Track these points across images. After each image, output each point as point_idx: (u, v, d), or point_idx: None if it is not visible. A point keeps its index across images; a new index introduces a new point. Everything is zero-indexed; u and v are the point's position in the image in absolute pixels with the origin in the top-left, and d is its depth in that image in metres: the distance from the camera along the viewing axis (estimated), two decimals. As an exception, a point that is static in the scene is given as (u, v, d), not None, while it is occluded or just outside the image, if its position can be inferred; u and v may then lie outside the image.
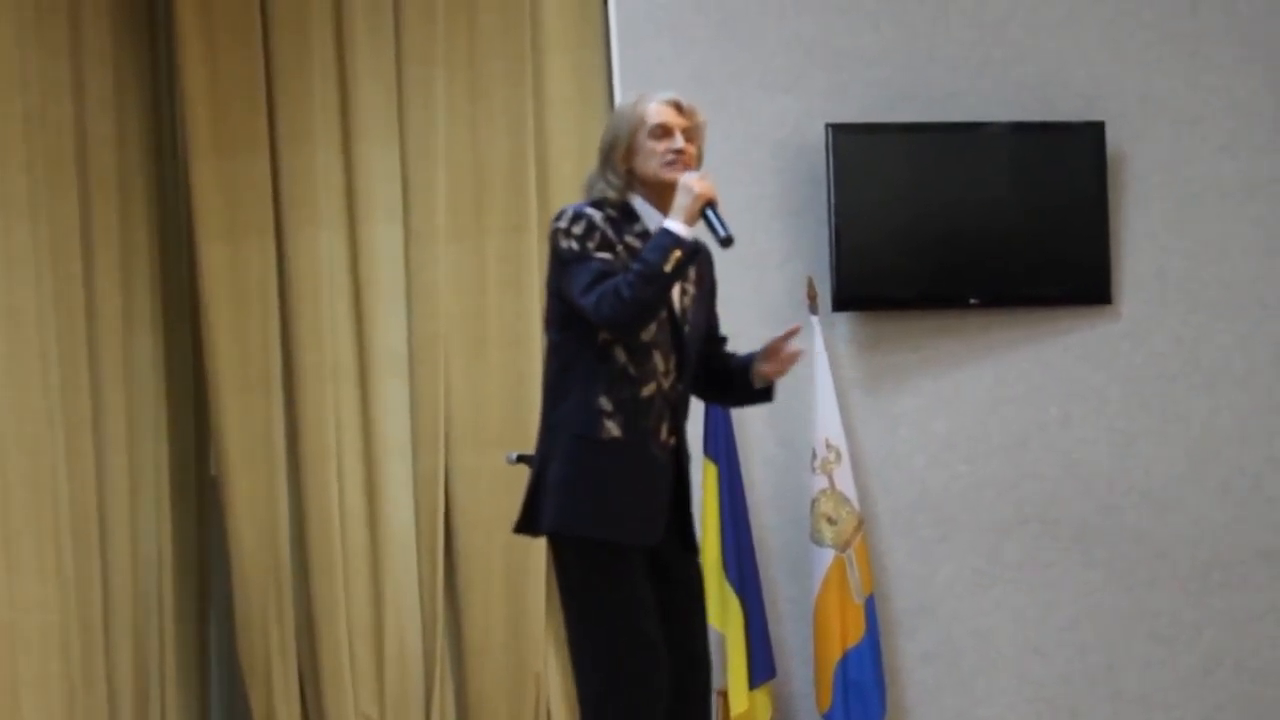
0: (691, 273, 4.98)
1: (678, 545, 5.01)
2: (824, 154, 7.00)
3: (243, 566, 7.07)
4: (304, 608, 7.10)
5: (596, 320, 4.79)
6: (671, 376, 4.93)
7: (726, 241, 4.87)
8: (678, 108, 4.96)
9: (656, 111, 4.94)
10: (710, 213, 4.87)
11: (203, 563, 7.31)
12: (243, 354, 7.11)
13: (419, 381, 7.16)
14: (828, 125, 7.01)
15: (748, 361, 5.10)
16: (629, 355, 4.86)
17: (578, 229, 4.85)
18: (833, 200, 6.98)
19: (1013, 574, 7.10)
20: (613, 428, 4.84)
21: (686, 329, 4.98)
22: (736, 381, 5.13)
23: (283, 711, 7.04)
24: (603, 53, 7.24)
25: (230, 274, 7.12)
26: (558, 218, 4.91)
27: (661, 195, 4.93)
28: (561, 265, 4.88)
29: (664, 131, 4.92)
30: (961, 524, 7.09)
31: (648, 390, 4.88)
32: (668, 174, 4.90)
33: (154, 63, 7.29)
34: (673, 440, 4.96)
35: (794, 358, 5.07)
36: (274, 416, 7.10)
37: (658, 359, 4.90)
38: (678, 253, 4.78)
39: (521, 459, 6.37)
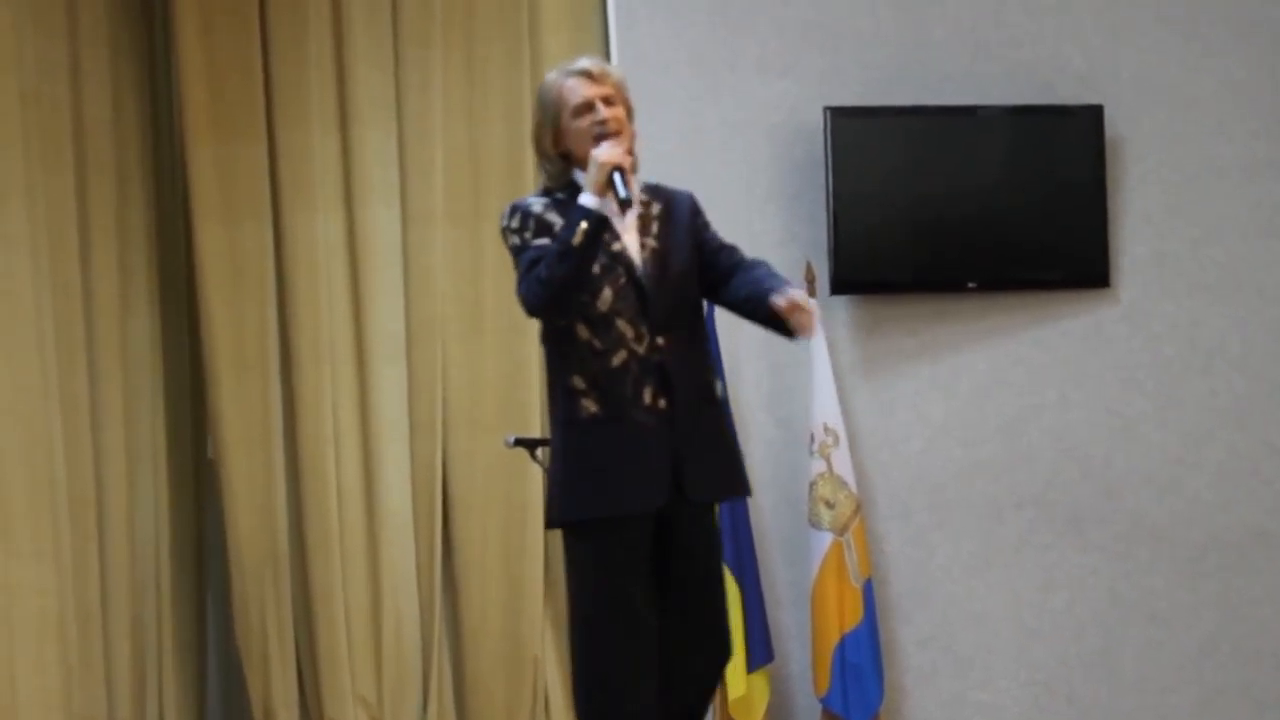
0: (654, 226, 4.98)
1: (686, 506, 4.95)
2: (822, 137, 6.99)
3: (240, 549, 7.06)
4: (301, 591, 7.09)
5: (526, 309, 4.86)
6: (646, 340, 4.90)
7: (625, 203, 4.82)
8: (589, 76, 4.97)
9: (572, 89, 4.96)
10: (616, 177, 4.84)
11: (200, 546, 7.30)
12: (239, 337, 7.10)
13: (416, 365, 7.15)
14: (825, 108, 7.00)
15: (764, 294, 4.93)
16: (590, 329, 4.88)
17: (514, 222, 4.92)
18: (830, 184, 6.98)
19: (1010, 557, 7.11)
20: (589, 405, 4.87)
21: (649, 287, 4.93)
22: (756, 310, 4.97)
23: (280, 694, 7.04)
24: (600, 35, 7.23)
25: (227, 256, 7.10)
26: (504, 214, 4.97)
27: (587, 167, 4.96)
28: (512, 259, 4.95)
29: (586, 107, 4.94)
30: (959, 507, 7.10)
31: (618, 359, 4.88)
32: (592, 152, 4.90)
33: (151, 44, 7.27)
34: (661, 403, 4.90)
35: (802, 319, 4.89)
36: (271, 399, 7.09)
37: (622, 326, 4.89)
38: (583, 225, 4.79)
39: (520, 442, 6.41)
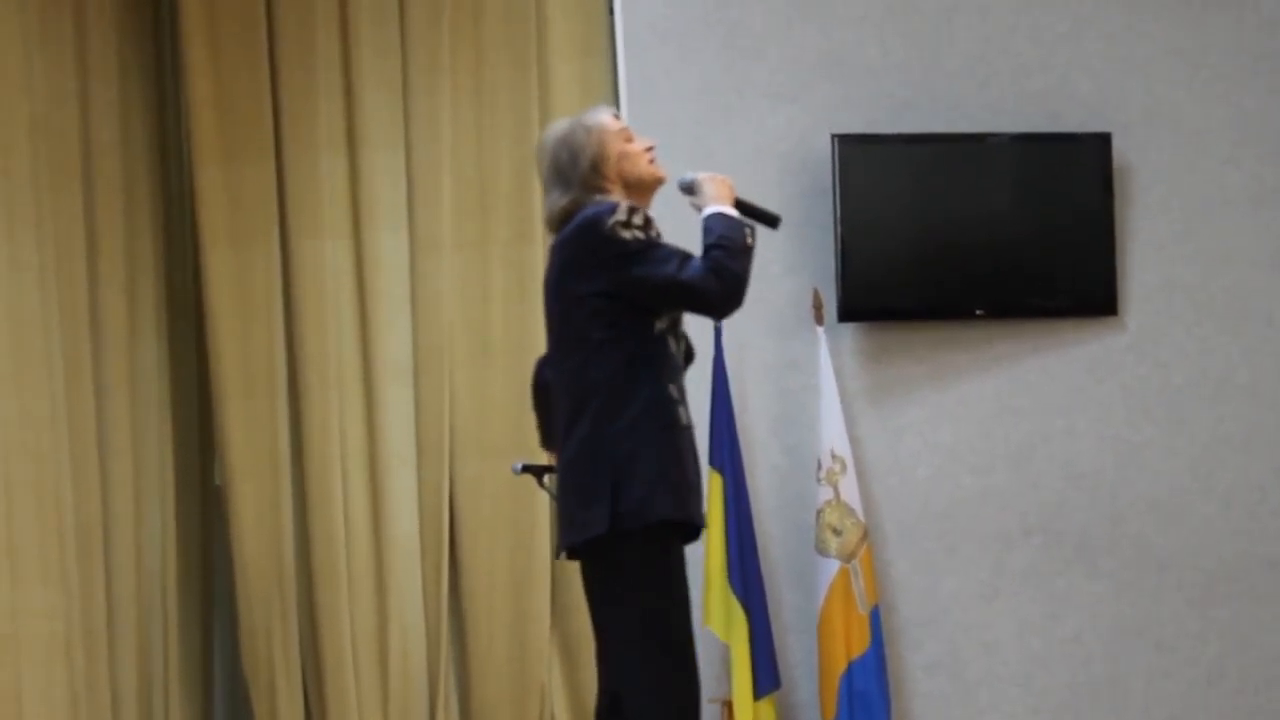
0: None
1: None
2: (829, 165, 7.00)
3: (246, 575, 7.06)
4: (308, 617, 7.08)
5: (705, 295, 4.79)
6: (681, 360, 5.00)
7: (775, 220, 5.11)
8: (615, 117, 5.05)
9: (612, 120, 5.02)
10: (744, 200, 5.01)
11: (206, 571, 7.30)
12: (247, 361, 7.10)
13: (423, 390, 7.16)
14: (833, 136, 7.01)
15: None
16: (675, 344, 4.91)
17: (638, 219, 4.85)
18: (838, 211, 6.98)
19: (1017, 585, 7.10)
20: (683, 415, 4.88)
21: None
22: None
23: (286, 720, 7.04)
24: (608, 62, 7.25)
25: (235, 281, 7.11)
26: (611, 212, 4.83)
27: (644, 193, 4.99)
28: (628, 257, 4.81)
29: (630, 135, 5.02)
30: (966, 535, 7.09)
31: (683, 378, 4.95)
32: (657, 171, 5.02)
33: (159, 69, 7.29)
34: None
35: None
36: (278, 424, 7.09)
37: (673, 344, 4.95)
38: (749, 230, 4.89)
39: (527, 469, 6.38)
